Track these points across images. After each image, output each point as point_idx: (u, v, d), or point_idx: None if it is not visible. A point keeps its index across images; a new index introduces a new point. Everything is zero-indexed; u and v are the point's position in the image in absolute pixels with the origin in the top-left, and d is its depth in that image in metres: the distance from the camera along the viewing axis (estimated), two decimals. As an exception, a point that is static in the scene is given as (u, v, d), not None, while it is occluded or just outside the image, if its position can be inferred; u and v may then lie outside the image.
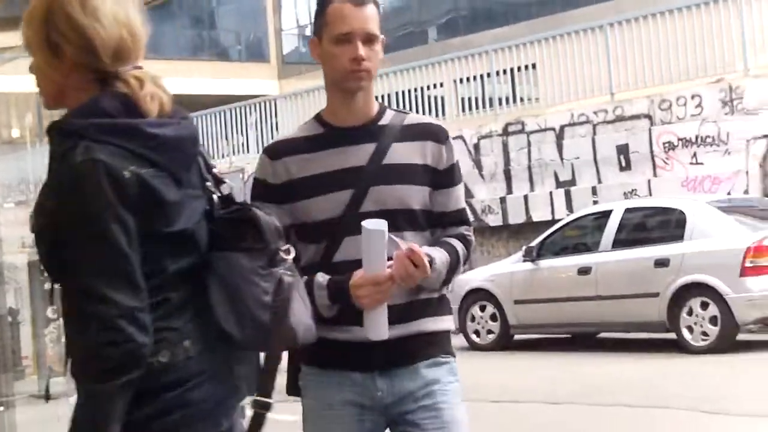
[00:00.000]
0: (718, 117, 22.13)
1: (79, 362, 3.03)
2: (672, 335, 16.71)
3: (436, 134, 4.02)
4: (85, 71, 3.17)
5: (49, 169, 3.14)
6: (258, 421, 3.39)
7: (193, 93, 40.03)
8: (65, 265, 3.05)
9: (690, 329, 16.48)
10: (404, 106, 27.33)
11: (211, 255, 3.31)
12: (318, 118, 4.07)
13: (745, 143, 21.65)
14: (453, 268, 3.94)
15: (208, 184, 3.38)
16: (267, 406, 3.41)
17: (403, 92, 27.79)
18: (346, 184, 3.88)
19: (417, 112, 27.06)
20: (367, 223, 3.59)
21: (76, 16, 3.11)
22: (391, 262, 3.67)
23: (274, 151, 4.03)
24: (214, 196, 3.39)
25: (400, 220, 3.85)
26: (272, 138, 31.27)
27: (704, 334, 16.35)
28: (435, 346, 4.00)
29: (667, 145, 22.75)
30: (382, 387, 3.92)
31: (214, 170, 3.47)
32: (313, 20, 4.12)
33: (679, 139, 22.55)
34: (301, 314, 3.43)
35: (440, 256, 3.84)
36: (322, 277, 3.83)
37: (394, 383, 3.91)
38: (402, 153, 3.95)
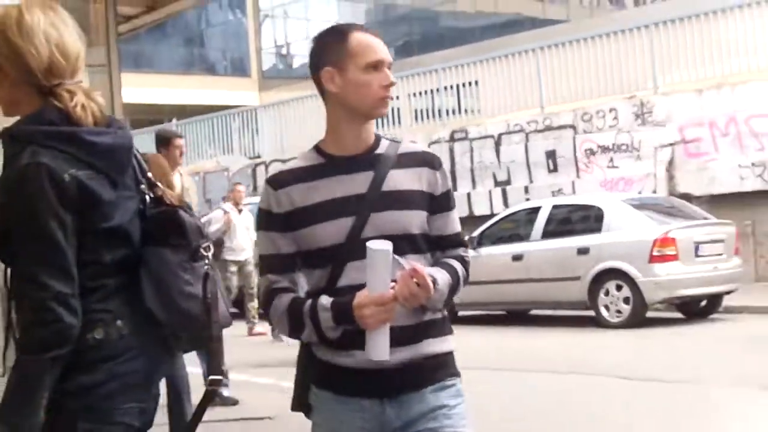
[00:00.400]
0: (631, 128, 22.32)
1: (20, 336, 3.11)
2: (591, 312, 16.76)
3: (430, 162, 3.61)
4: (26, 86, 3.22)
5: (3, 167, 3.21)
6: (210, 395, 3.49)
7: (185, 103, 39.98)
8: (14, 253, 3.11)
9: (606, 307, 16.57)
10: (366, 116, 27.40)
11: (144, 249, 3.35)
12: (317, 148, 3.62)
13: (654, 150, 21.88)
14: (453, 288, 3.51)
15: (143, 186, 3.41)
16: (218, 383, 3.60)
17: (367, 103, 27.78)
18: (348, 211, 3.47)
19: (378, 123, 27.15)
20: (372, 244, 3.22)
21: (14, 39, 3.18)
22: (394, 283, 3.26)
23: (277, 182, 3.56)
24: (147, 197, 3.42)
25: (401, 244, 3.40)
26: (253, 141, 31.57)
27: (618, 311, 16.47)
28: (441, 369, 3.57)
29: (588, 151, 22.95)
30: (390, 413, 3.48)
31: (149, 174, 3.49)
32: (321, 53, 3.54)
33: (598, 146, 22.72)
34: (220, 304, 3.51)
35: (442, 276, 3.43)
36: (325, 299, 3.41)
37: (403, 408, 3.48)
38: (399, 180, 3.54)
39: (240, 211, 17.82)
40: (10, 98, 3.30)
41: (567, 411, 10.13)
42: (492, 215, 21.16)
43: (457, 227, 3.70)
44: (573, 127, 23.40)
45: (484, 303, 18.36)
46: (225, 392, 10.44)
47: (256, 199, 20.97)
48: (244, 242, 17.19)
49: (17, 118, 3.30)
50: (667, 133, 21.75)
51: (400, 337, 3.38)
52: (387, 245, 3.20)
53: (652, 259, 16.24)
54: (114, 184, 3.22)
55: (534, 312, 17.84)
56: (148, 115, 36.43)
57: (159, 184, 3.52)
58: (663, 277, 16.24)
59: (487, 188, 24.50)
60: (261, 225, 3.62)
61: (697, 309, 17.37)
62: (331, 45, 3.50)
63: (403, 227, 3.49)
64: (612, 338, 15.39)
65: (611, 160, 22.63)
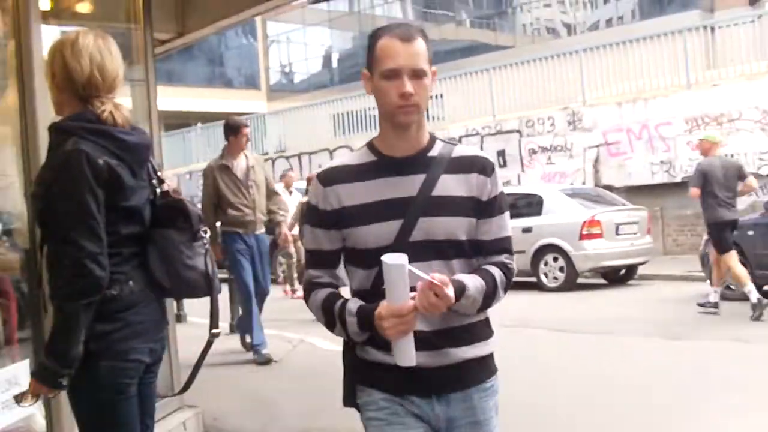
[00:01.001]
0: (565, 132, 22.40)
1: (56, 289, 3.22)
2: (533, 279, 16.85)
3: (482, 167, 3.00)
4: (69, 93, 3.38)
5: (48, 153, 3.37)
6: (210, 343, 3.73)
7: (208, 110, 39.78)
8: (52, 221, 3.24)
9: (545, 275, 16.70)
10: (356, 122, 27.49)
11: (153, 230, 3.52)
12: (371, 146, 3.05)
13: (583, 150, 22.00)
14: (489, 295, 2.91)
15: (153, 181, 3.58)
16: (217, 334, 3.73)
17: (355, 111, 27.75)
18: (396, 214, 2.89)
19: (363, 126, 27.22)
20: (387, 258, 2.69)
21: (66, 56, 3.36)
22: (414, 293, 2.72)
23: (326, 179, 3.00)
24: (157, 190, 3.60)
25: (447, 250, 2.92)
26: (263, 141, 31.45)
27: (555, 278, 16.62)
28: (483, 370, 3.06)
29: (530, 150, 23.01)
30: (438, 411, 2.98)
31: (159, 173, 3.65)
32: (366, 55, 2.97)
33: (539, 147, 22.79)
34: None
35: (475, 283, 2.86)
36: (353, 304, 2.92)
37: (450, 407, 2.99)
38: (450, 185, 2.94)
39: (290, 193, 17.46)
40: (57, 100, 3.47)
41: (511, 356, 10.18)
42: (454, 201, 21.02)
43: (503, 232, 3.07)
44: (519, 131, 23.43)
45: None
46: (264, 350, 9.94)
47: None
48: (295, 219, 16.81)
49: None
50: (594, 137, 21.86)
51: (435, 341, 2.90)
52: (402, 259, 2.68)
53: (582, 236, 16.38)
54: (134, 174, 3.39)
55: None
56: (178, 120, 36.26)
57: (166, 180, 3.70)
58: (590, 251, 16.39)
59: (449, 180, 24.35)
60: (308, 219, 3.10)
61: (617, 276, 17.49)
62: (368, 48, 2.98)
63: (450, 233, 2.93)
64: (550, 299, 15.43)
65: (549, 158, 22.73)
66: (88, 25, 3.49)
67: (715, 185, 11.97)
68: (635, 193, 20.53)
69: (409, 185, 2.92)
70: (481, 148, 23.30)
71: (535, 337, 11.41)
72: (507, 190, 16.56)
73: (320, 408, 7.41)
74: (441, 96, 26.56)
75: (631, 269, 17.52)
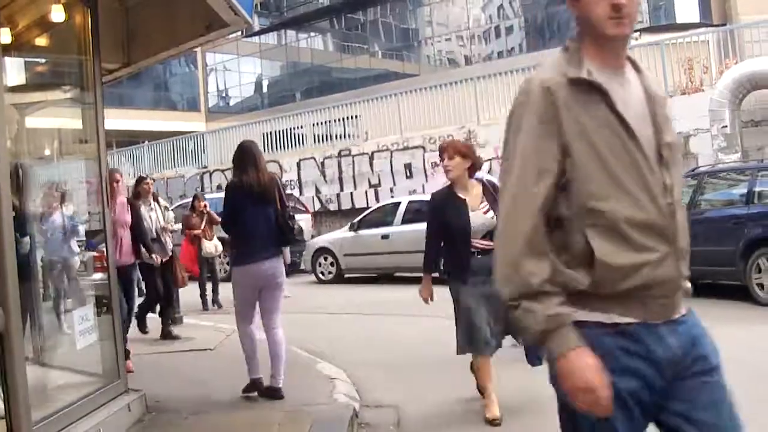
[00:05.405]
0: (462, 148, 22.53)
1: None
2: (436, 274, 16.76)
3: None
4: None
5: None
6: None
7: (154, 129, 39.29)
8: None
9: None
10: (282, 140, 27.28)
11: None
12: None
13: (478, 163, 22.16)
14: None
15: None
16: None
17: (280, 131, 27.58)
18: None
19: (288, 145, 27.10)
20: None
21: None
22: None
23: None
24: None
25: None
26: (201, 157, 31.09)
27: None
28: None
29: (433, 163, 22.93)
30: None
31: None
32: None
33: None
34: None
35: None
36: None
37: None
38: None
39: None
40: None
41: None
42: (367, 208, 21.09)
43: None
44: (423, 147, 23.47)
45: (362, 268, 18.47)
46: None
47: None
48: None
49: None
50: (486, 151, 21.90)
51: None
52: None
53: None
54: None
55: (397, 274, 17.95)
56: (127, 138, 35.84)
57: None
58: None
59: (364, 189, 24.42)
60: None
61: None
62: None
63: None
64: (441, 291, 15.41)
65: (449, 170, 22.83)
66: (45, 57, 3.23)
67: None
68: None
69: None
70: (391, 161, 23.52)
71: (418, 324, 11.36)
72: (412, 198, 16.54)
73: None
74: (356, 117, 26.64)
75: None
